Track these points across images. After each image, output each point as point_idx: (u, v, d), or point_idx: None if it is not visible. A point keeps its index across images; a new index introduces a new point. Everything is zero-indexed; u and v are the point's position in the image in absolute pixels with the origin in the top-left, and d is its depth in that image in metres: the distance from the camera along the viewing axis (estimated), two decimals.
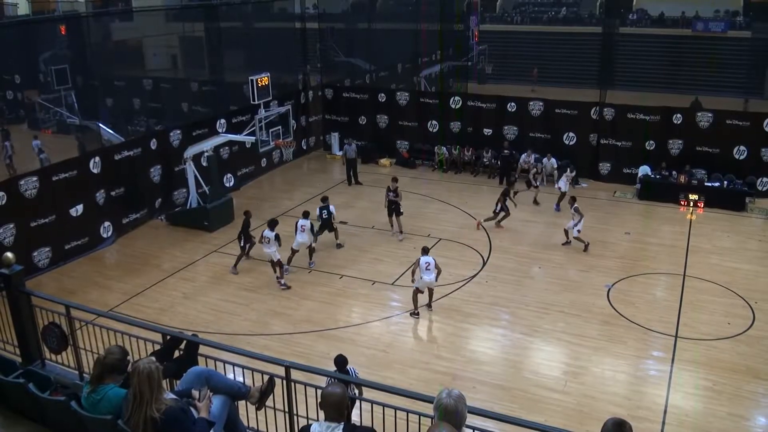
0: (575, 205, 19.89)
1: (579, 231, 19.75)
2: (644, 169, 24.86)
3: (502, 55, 44.80)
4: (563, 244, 20.23)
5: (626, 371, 14.29)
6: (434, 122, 28.05)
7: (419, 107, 28.49)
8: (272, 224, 17.84)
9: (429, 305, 16.61)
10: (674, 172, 24.40)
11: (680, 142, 25.05)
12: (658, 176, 24.58)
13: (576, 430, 11.74)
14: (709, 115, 24.82)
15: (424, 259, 16.13)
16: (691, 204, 23.54)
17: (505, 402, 12.94)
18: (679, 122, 24.97)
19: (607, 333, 15.58)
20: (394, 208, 20.75)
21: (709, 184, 24.03)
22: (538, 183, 23.98)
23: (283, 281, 17.78)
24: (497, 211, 21.40)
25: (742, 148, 24.41)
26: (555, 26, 45.01)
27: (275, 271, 17.88)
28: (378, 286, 17.81)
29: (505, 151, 25.69)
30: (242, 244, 18.78)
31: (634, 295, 17.36)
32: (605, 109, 25.57)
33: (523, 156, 25.71)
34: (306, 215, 18.66)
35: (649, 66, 40.06)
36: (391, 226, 20.89)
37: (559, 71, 41.18)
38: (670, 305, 16.92)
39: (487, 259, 19.30)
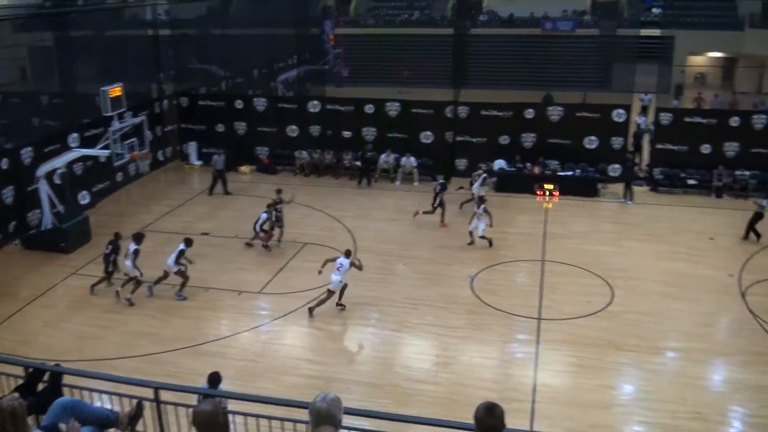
0: (483, 205, 20.32)
1: (483, 230, 20.14)
2: (500, 163, 25.83)
3: (358, 58, 45.24)
4: (468, 244, 20.47)
5: (494, 356, 14.88)
6: (293, 127, 28.00)
7: (278, 112, 28.33)
8: (137, 238, 17.34)
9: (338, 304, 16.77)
10: (528, 164, 25.56)
11: (533, 135, 26.22)
12: (513, 169, 25.58)
13: (449, 418, 12.11)
14: (560, 109, 26.20)
15: (339, 260, 16.50)
16: (547, 193, 24.66)
17: (379, 399, 13.10)
18: (531, 117, 26.14)
19: (474, 322, 16.12)
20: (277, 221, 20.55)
21: (563, 174, 25.34)
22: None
23: (129, 297, 17.16)
24: (435, 205, 21.79)
25: (592, 138, 25.84)
26: (409, 28, 45.77)
27: (128, 286, 17.28)
28: (245, 295, 17.59)
29: (369, 153, 26.05)
30: (109, 269, 17.84)
31: (496, 284, 18.06)
32: (460, 108, 26.42)
33: (382, 156, 26.19)
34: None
35: (501, 65, 41.66)
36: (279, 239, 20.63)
37: (415, 72, 42.00)
38: (532, 290, 17.74)
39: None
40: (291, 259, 19.54)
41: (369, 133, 27.17)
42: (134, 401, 6.53)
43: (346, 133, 27.54)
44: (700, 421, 12.65)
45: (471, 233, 20.42)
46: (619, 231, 21.72)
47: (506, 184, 25.29)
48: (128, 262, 17.05)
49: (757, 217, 20.78)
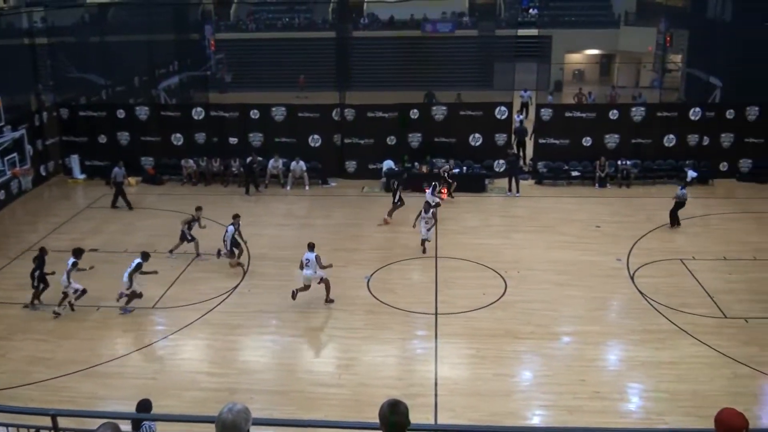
0: (433, 209, 20.33)
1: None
2: (388, 163, 26.10)
3: (240, 63, 44.64)
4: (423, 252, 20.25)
5: (395, 354, 14.98)
6: (178, 135, 27.27)
7: (161, 121, 27.51)
8: (77, 253, 16.78)
9: (327, 299, 16.91)
10: (416, 163, 25.86)
11: (419, 135, 26.57)
12: (401, 169, 25.82)
13: (356, 419, 12.10)
14: (443, 108, 26.68)
15: (306, 256, 16.60)
16: (437, 191, 24.92)
17: (283, 406, 12.96)
18: (416, 117, 26.46)
19: (373, 321, 16.17)
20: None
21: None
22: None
23: (58, 309, 16.64)
24: (396, 202, 21.98)
25: (477, 135, 26.37)
26: (290, 32, 45.53)
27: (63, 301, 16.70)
28: (139, 311, 16.96)
29: (248, 159, 25.63)
30: (36, 285, 16.93)
31: (392, 282, 18.18)
32: (346, 110, 26.46)
33: (270, 162, 25.88)
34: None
35: (384, 66, 41.93)
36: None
37: (298, 76, 41.79)
38: (428, 286, 17.97)
39: (248, 268, 19.17)
40: (183, 272, 19.04)
41: (256, 138, 26.85)
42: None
43: (233, 140, 27.06)
44: (599, 400, 13.15)
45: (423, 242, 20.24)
46: (509, 224, 22.29)
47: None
48: (63, 277, 16.49)
49: (678, 206, 21.68)
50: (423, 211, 20.14)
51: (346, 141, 26.70)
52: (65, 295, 16.71)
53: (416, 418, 4.98)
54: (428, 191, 21.94)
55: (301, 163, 25.72)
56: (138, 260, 16.84)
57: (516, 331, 15.74)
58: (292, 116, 26.78)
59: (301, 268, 16.74)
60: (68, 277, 16.58)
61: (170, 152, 27.45)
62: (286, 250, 20.24)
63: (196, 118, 27.23)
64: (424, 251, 20.06)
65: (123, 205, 24.13)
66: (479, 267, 18.99)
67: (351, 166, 26.90)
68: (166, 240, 20.56)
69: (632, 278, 18.45)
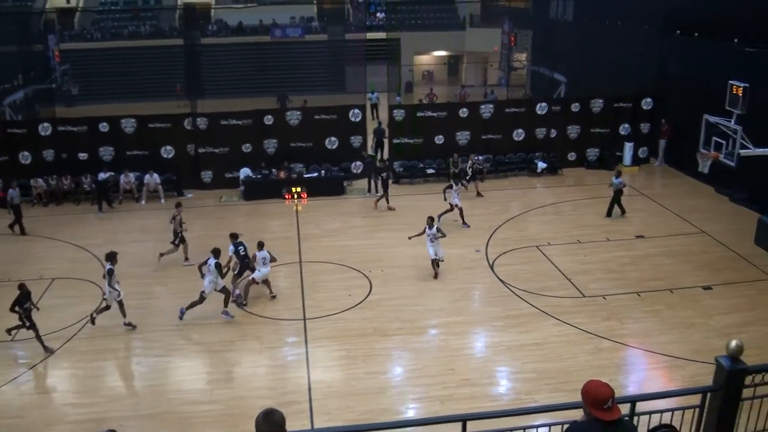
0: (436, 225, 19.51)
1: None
2: (245, 171, 25.74)
3: (87, 74, 42.51)
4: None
5: (266, 364, 14.77)
6: (26, 153, 25.53)
7: (7, 139, 25.53)
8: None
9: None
10: (274, 170, 25.65)
11: (275, 141, 26.38)
12: (259, 176, 25.60)
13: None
14: (298, 113, 26.64)
15: (260, 255, 16.94)
16: (295, 196, 24.93)
17: (156, 430, 12.58)
18: (270, 123, 26.25)
19: (241, 333, 15.91)
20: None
21: (308, 175, 25.75)
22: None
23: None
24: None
25: (333, 138, 26.55)
26: (137, 41, 44.06)
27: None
28: None
29: (108, 174, 24.63)
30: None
31: (258, 291, 17.82)
32: (198, 119, 25.82)
33: (121, 177, 24.90)
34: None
35: (236, 73, 41.42)
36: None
37: (148, 85, 40.55)
38: (294, 292, 17.89)
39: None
40: (41, 298, 17.83)
41: (106, 153, 25.71)
42: None
43: (82, 155, 25.69)
44: (469, 387, 13.54)
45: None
46: (370, 224, 22.51)
47: (253, 191, 25.29)
48: (107, 288, 15.93)
49: (618, 194, 22.42)
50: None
51: (201, 150, 26.07)
52: (121, 304, 16.05)
53: (293, 425, 4.93)
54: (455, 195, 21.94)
55: (155, 175, 24.91)
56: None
57: (384, 328, 15.96)
58: (143, 128, 25.83)
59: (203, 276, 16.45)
60: (111, 284, 15.85)
61: (18, 172, 25.32)
62: (144, 266, 19.59)
63: (43, 134, 25.56)
64: (435, 276, 18.69)
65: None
66: (344, 269, 19.08)
67: (207, 176, 26.32)
68: (19, 267, 19.46)
69: (492, 267, 19.10)
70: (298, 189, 25.10)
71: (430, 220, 18.71)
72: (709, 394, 5.93)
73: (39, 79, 35.82)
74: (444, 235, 18.49)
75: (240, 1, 47.32)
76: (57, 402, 13.81)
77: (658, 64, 28.28)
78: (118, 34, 45.26)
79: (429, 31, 45.87)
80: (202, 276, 16.38)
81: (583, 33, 33.91)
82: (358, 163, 26.95)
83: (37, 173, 25.34)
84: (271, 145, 26.43)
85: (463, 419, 5.41)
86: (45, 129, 25.70)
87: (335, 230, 22.05)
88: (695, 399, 6.02)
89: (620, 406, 5.21)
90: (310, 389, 13.66)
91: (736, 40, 23.89)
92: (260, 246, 17.15)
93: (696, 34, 26.22)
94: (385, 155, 27.93)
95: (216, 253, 16.36)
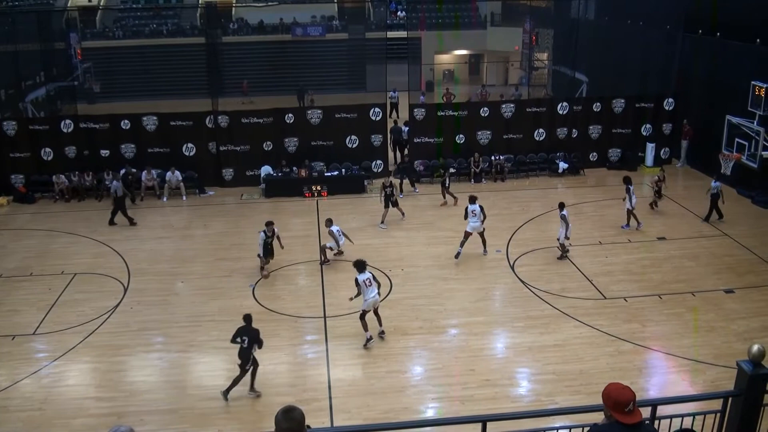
0: (563, 212, 19.52)
1: (568, 237, 19.58)
2: (266, 169, 25.83)
3: (109, 72, 42.89)
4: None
5: (286, 361, 14.77)
6: (48, 149, 25.80)
7: (31, 135, 25.79)
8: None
9: (381, 331, 15.49)
10: (295, 168, 25.69)
11: (296, 139, 26.45)
12: (279, 174, 25.67)
13: (252, 430, 11.99)
14: (319, 111, 26.64)
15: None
16: (316, 194, 24.99)
17: (175, 425, 12.64)
18: (291, 121, 26.32)
19: (262, 330, 15.84)
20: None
21: (329, 174, 25.77)
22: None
23: None
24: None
25: (353, 137, 26.61)
26: (159, 39, 44.32)
27: None
28: (19, 339, 15.89)
29: (132, 170, 24.89)
30: None
31: (278, 289, 18.00)
32: (219, 117, 25.92)
33: (143, 174, 25.05)
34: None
35: (257, 71, 41.61)
36: None
37: (170, 83, 40.85)
38: (314, 290, 17.94)
39: (128, 285, 18.44)
40: (62, 293, 18.10)
41: (128, 150, 25.93)
42: None
43: (104, 152, 25.98)
44: (490, 387, 13.50)
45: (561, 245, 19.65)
46: (390, 223, 22.43)
47: (275, 189, 25.37)
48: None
49: (715, 197, 21.90)
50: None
51: (222, 148, 26.20)
52: None
53: (312, 422, 4.95)
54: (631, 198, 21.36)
55: (177, 173, 25.04)
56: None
57: (404, 327, 15.94)
58: (164, 125, 26.01)
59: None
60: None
61: (41, 168, 25.87)
62: (165, 263, 19.77)
63: (65, 131, 25.85)
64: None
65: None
66: None
67: (228, 173, 26.44)
68: (40, 261, 19.68)
69: (513, 268, 19.04)
70: (319, 187, 25.17)
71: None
72: (730, 399, 5.88)
73: (61, 76, 36.04)
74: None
75: None
76: (78, 395, 13.90)
77: (680, 64, 28.08)
78: (140, 33, 45.52)
79: (450, 30, 45.78)
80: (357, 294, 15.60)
81: (605, 32, 33.76)
82: (379, 161, 26.98)
83: (59, 170, 25.55)
84: (291, 143, 26.51)
85: (484, 420, 5.40)
86: (67, 126, 25.96)
87: (356, 229, 21.97)
88: (716, 404, 5.97)
89: (642, 409, 5.19)
90: (330, 387, 13.69)
91: (758, 41, 23.64)
92: (361, 267, 15.47)
93: (718, 34, 26.00)
94: (405, 154, 27.96)
95: (361, 266, 15.49)
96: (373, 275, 15.46)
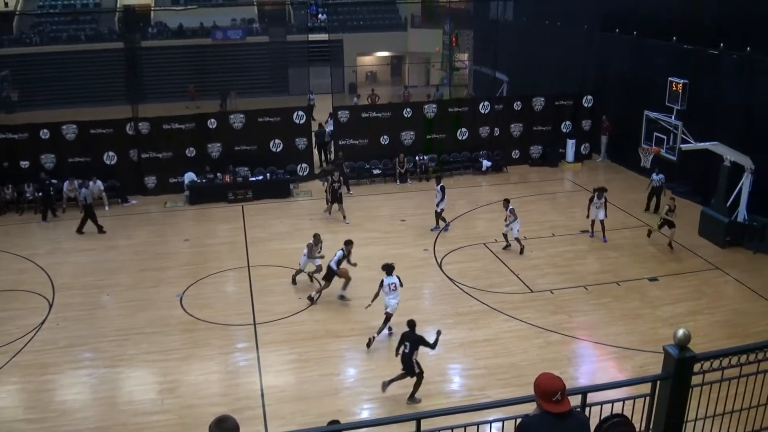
0: (510, 206, 19.89)
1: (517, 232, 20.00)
2: (189, 176, 25.44)
3: (27, 80, 41.19)
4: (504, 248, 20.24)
5: (218, 370, 14.58)
6: None
7: None
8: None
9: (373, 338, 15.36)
10: (219, 174, 25.38)
11: (219, 144, 26.09)
12: (203, 180, 25.36)
13: None
14: (241, 116, 26.30)
15: (387, 281, 15.24)
16: (241, 199, 24.77)
17: None
18: (214, 126, 25.98)
19: (191, 340, 15.69)
20: None
21: (254, 179, 25.57)
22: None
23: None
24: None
25: (277, 141, 26.38)
26: (77, 44, 43.04)
27: None
28: None
29: (47, 181, 24.04)
30: None
31: (207, 297, 17.74)
32: (140, 124, 25.37)
33: (65, 184, 24.26)
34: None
35: (177, 76, 40.92)
36: None
37: (89, 90, 39.80)
38: (243, 297, 17.74)
39: (53, 301, 17.86)
40: None
41: (48, 160, 25.08)
42: None
43: (24, 163, 25.02)
44: (423, 385, 13.49)
45: (505, 236, 20.20)
46: (318, 227, 22.20)
47: (199, 196, 25.01)
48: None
49: (655, 190, 23.02)
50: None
51: (144, 156, 25.64)
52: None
53: (247, 431, 4.90)
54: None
55: (99, 182, 24.36)
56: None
57: (337, 330, 15.95)
58: (84, 134, 25.23)
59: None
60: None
61: None
62: (90, 276, 19.26)
63: None
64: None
65: None
66: (293, 272, 18.92)
67: (151, 181, 25.90)
68: None
69: (440, 266, 19.26)
70: (244, 193, 24.96)
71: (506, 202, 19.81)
72: (659, 383, 6.05)
73: None
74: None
75: (180, 2, 46.79)
76: (8, 418, 13.38)
77: (598, 63, 28.90)
78: (58, 38, 44.06)
79: (371, 32, 46.01)
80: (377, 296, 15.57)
81: (524, 33, 34.38)
82: (304, 165, 26.90)
83: None
84: (215, 148, 26.14)
85: (417, 418, 5.43)
86: None
87: (283, 233, 21.93)
88: (645, 388, 6.14)
89: (572, 397, 5.30)
90: (262, 394, 13.57)
91: (674, 39, 24.48)
92: (389, 270, 15.54)
93: (635, 32, 26.79)
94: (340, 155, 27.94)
95: (389, 269, 15.53)
96: (399, 281, 15.37)
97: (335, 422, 9.49)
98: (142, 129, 25.36)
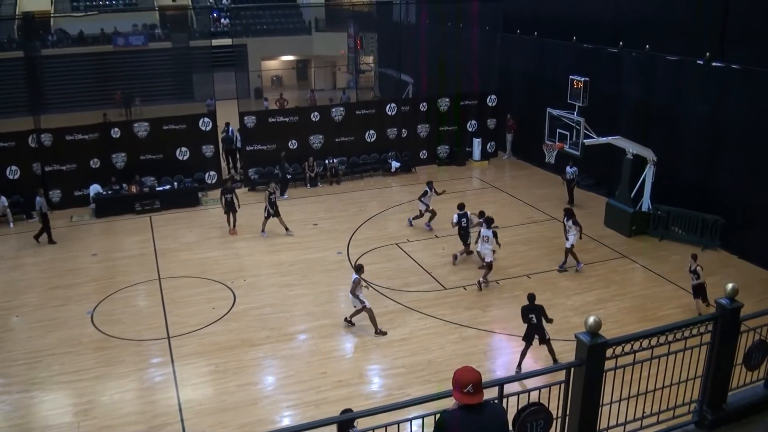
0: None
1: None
2: (95, 188, 24.75)
3: None
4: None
5: (133, 388, 14.21)
6: None
7: None
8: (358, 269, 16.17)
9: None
10: (125, 185, 24.80)
11: (123, 154, 25.44)
12: (109, 192, 24.72)
13: None
14: (146, 124, 25.72)
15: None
16: (149, 210, 24.26)
17: None
18: (118, 136, 25.31)
19: (104, 358, 15.24)
20: None
21: (161, 188, 25.11)
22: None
23: None
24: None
25: (184, 149, 25.94)
26: None
27: None
28: None
29: None
30: None
31: (118, 313, 17.27)
32: (43, 135, 24.46)
33: None
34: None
35: (79, 85, 39.65)
36: None
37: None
38: (155, 310, 17.36)
39: None
40: None
41: None
42: None
43: None
44: (343, 388, 13.70)
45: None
46: (227, 235, 22.13)
47: (105, 208, 24.31)
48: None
49: (571, 183, 23.82)
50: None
51: (47, 168, 24.73)
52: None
53: None
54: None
55: (2, 198, 23.38)
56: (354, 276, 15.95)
57: (252, 338, 15.82)
58: None
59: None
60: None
61: None
62: None
63: None
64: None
65: None
66: (205, 282, 18.75)
67: (55, 195, 24.96)
68: None
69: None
70: (151, 203, 24.43)
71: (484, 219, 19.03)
72: (573, 370, 6.25)
73: None
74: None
75: (80, 9, 45.44)
76: None
77: (500, 63, 29.58)
78: None
79: (275, 36, 45.75)
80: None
81: (427, 34, 34.77)
82: (212, 172, 26.54)
83: None
84: (120, 158, 25.47)
85: (338, 421, 5.45)
86: None
87: (193, 243, 21.60)
88: (561, 375, 6.34)
89: (489, 389, 5.43)
90: (180, 409, 13.32)
91: (574, 38, 25.30)
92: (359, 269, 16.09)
93: (536, 33, 27.52)
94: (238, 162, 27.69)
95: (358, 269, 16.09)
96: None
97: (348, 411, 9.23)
98: (44, 141, 24.44)
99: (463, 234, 19.50)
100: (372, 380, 14.40)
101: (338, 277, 18.84)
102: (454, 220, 19.36)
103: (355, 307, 16.01)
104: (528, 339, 14.29)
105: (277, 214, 21.75)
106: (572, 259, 18.99)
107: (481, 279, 18.08)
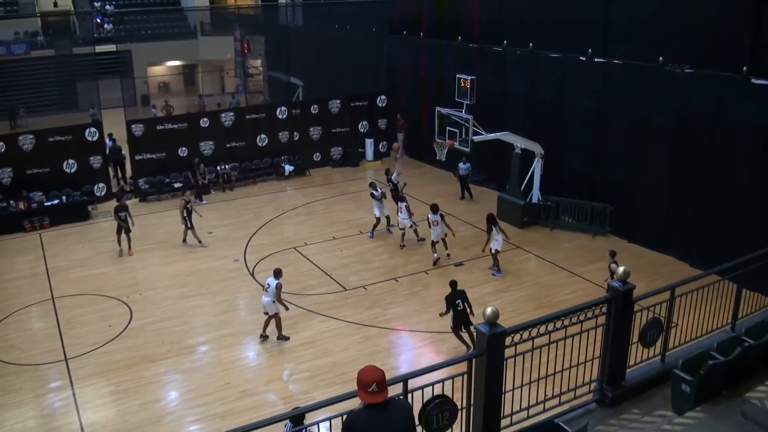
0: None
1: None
2: None
3: None
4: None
5: (33, 415, 13.58)
6: None
7: None
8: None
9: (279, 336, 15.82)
10: (11, 201, 23.78)
11: (9, 170, 24.24)
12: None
13: None
14: (31, 137, 24.65)
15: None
16: (38, 227, 23.36)
17: None
18: (2, 150, 24.10)
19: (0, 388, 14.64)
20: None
21: (49, 203, 24.21)
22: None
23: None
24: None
25: (71, 161, 25.05)
26: None
27: None
28: None
29: None
30: None
31: (12, 338, 16.51)
32: None
33: None
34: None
35: None
36: None
37: None
38: (51, 332, 16.70)
39: None
40: None
41: None
42: None
43: None
44: (248, 398, 13.62)
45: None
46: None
47: None
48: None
49: (465, 179, 24.49)
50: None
51: None
52: None
53: None
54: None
55: None
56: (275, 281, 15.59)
57: (152, 354, 15.47)
58: None
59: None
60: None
61: None
62: None
63: None
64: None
65: None
66: (100, 298, 18.22)
67: None
68: None
69: (253, 275, 19.22)
70: (40, 219, 23.51)
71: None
72: (474, 360, 6.48)
73: None
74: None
75: None
76: None
77: (389, 64, 29.93)
78: None
79: (160, 41, 44.74)
80: None
81: (315, 37, 34.87)
82: (101, 185, 25.77)
83: None
84: (5, 174, 24.25)
85: (244, 431, 5.45)
86: None
87: (85, 259, 20.93)
88: (463, 367, 6.55)
89: (394, 386, 5.56)
90: None
91: (459, 38, 25.86)
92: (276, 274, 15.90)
93: (422, 34, 27.99)
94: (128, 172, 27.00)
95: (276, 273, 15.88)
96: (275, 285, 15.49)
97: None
98: None
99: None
100: (276, 387, 14.35)
101: (236, 285, 18.73)
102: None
103: (266, 314, 15.81)
104: (458, 326, 14.68)
105: (192, 226, 21.33)
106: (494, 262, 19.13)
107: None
